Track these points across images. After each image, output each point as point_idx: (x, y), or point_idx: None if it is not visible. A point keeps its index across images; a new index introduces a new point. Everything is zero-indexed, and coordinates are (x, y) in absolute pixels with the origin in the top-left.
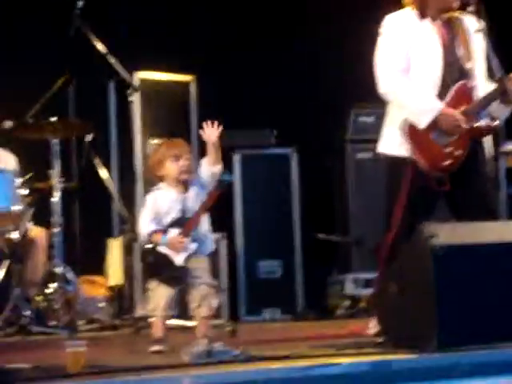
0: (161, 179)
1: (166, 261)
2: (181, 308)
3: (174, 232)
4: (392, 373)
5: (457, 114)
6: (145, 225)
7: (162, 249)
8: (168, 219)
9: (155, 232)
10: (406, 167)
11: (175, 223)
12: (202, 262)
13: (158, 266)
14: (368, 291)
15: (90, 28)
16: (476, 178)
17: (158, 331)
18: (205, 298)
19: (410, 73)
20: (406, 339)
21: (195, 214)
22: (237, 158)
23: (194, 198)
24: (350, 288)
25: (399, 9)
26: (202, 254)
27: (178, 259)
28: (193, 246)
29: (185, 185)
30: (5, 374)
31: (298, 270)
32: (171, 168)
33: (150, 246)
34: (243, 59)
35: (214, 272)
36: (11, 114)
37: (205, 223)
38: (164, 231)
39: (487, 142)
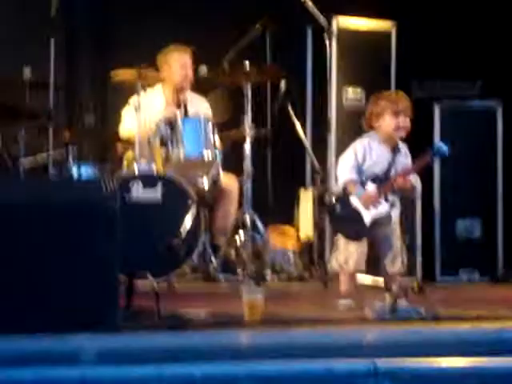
0: (374, 130)
1: (354, 215)
2: (372, 264)
3: (371, 187)
4: None
5: None
6: (345, 171)
7: (354, 201)
8: (371, 172)
9: (353, 181)
10: None
11: (376, 179)
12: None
13: (345, 219)
14: None
15: None
16: None
17: (346, 286)
18: (394, 256)
19: None
20: None
21: (396, 176)
22: (436, 110)
23: (401, 160)
24: None
25: None
26: (390, 217)
27: (366, 216)
28: (383, 208)
29: (395, 144)
30: (178, 319)
31: (499, 230)
32: (389, 122)
33: (341, 195)
34: (445, 5)
35: (407, 230)
36: (207, 60)
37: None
38: (362, 183)
39: None
